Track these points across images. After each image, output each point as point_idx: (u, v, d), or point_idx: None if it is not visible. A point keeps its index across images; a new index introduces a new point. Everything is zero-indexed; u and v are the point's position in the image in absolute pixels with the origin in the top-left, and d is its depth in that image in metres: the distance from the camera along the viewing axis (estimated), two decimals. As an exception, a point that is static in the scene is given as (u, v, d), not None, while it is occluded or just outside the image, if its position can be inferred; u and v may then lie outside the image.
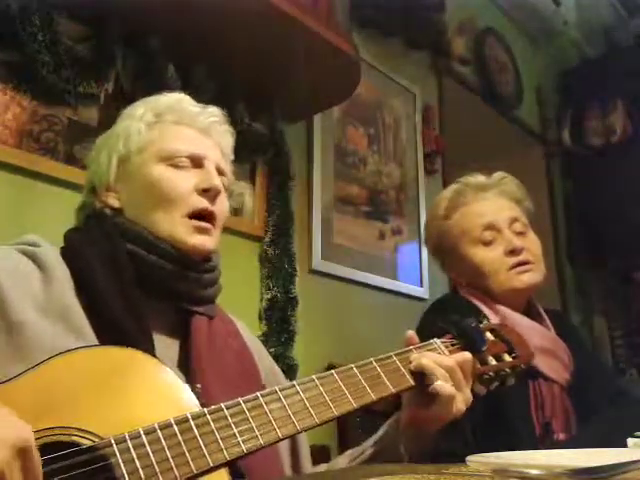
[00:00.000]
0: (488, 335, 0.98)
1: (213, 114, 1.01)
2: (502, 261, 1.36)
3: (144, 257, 0.88)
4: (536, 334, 1.32)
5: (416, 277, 2.46)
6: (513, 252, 1.36)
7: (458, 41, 2.97)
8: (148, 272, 0.88)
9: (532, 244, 1.41)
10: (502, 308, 1.35)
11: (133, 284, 0.85)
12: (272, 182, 1.92)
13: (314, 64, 1.76)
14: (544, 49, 3.67)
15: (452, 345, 0.94)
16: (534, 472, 0.58)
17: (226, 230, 1.79)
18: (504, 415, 1.21)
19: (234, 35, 1.61)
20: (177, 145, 0.95)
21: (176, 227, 0.90)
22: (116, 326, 0.80)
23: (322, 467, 1.01)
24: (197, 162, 0.95)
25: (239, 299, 1.75)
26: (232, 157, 1.06)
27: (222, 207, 0.96)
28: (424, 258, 2.50)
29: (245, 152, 1.82)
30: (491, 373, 0.94)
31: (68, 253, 0.89)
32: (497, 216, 1.40)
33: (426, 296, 2.45)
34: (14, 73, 1.39)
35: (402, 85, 2.61)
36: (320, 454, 1.08)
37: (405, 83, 2.63)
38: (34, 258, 0.85)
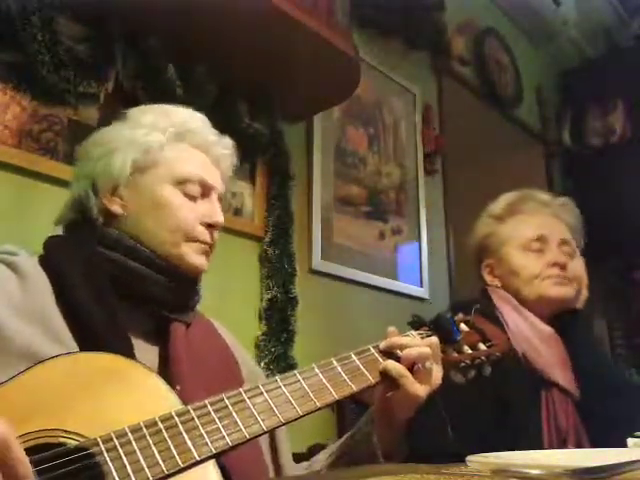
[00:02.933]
0: (463, 326, 1.02)
1: (227, 146, 1.04)
2: (542, 270, 1.38)
3: (124, 263, 0.89)
4: (555, 345, 1.33)
5: (416, 277, 2.46)
6: (556, 265, 1.38)
7: (458, 41, 2.97)
8: (128, 279, 0.89)
9: (577, 268, 1.42)
10: (530, 315, 1.36)
11: (109, 291, 0.86)
12: (272, 182, 1.92)
13: (314, 64, 1.76)
14: (544, 49, 3.67)
15: (427, 337, 0.96)
16: (534, 472, 0.58)
17: (226, 230, 1.81)
18: (512, 426, 1.21)
19: (234, 35, 1.61)
20: (192, 170, 0.96)
21: (179, 249, 0.93)
22: (94, 333, 0.81)
23: (303, 465, 1.02)
24: (205, 191, 0.97)
25: (239, 299, 1.75)
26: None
27: (216, 237, 0.99)
28: (424, 258, 2.51)
29: (245, 152, 1.82)
30: (467, 361, 0.97)
31: (46, 261, 0.89)
32: (550, 231, 1.43)
33: (426, 296, 2.46)
34: (14, 73, 1.39)
35: (402, 85, 2.61)
36: (319, 453, 1.08)
37: (405, 83, 2.63)
38: (11, 266, 0.86)
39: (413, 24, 2.60)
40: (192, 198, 0.95)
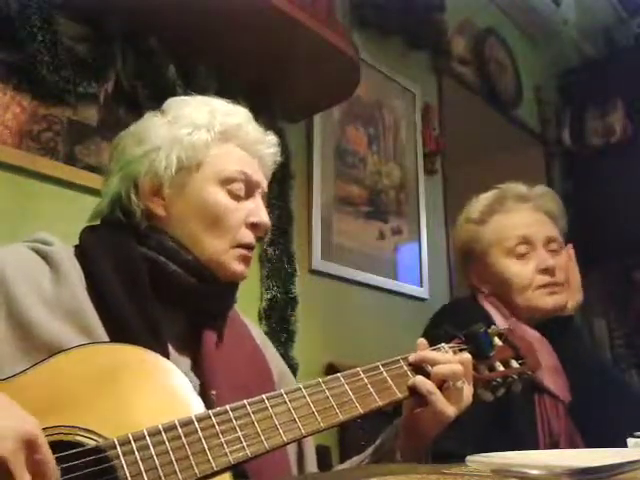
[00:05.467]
0: (496, 340, 0.98)
1: (271, 144, 1.02)
2: (532, 278, 1.35)
3: (163, 265, 0.87)
4: (545, 351, 1.32)
5: (416, 277, 2.46)
6: (545, 271, 1.35)
7: (458, 41, 2.97)
8: (166, 282, 0.87)
9: (563, 264, 1.39)
10: (516, 321, 1.35)
11: (147, 291, 0.84)
12: (272, 182, 1.92)
13: (314, 64, 1.76)
14: (544, 49, 3.67)
15: (460, 350, 0.93)
16: (534, 472, 0.58)
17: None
18: (510, 428, 1.20)
19: (234, 35, 1.61)
20: (238, 169, 0.93)
21: (223, 255, 0.90)
22: (129, 332, 0.79)
23: None
24: (250, 190, 0.94)
25: (239, 299, 1.74)
26: None
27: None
28: (424, 258, 2.51)
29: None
30: (499, 379, 0.93)
31: (81, 254, 0.87)
32: (534, 231, 1.39)
33: (426, 296, 2.46)
34: (14, 73, 1.39)
35: (402, 85, 2.61)
36: (321, 454, 1.08)
37: (405, 83, 2.63)
38: (46, 257, 0.84)
39: (413, 24, 2.60)
40: (237, 198, 0.92)
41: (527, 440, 1.22)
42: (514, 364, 0.96)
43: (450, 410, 0.85)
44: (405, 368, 0.86)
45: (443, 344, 0.94)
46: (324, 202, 2.13)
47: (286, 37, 1.65)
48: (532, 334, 1.34)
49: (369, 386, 0.80)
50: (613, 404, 1.28)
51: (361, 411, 0.77)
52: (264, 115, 1.86)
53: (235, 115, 0.97)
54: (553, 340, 1.35)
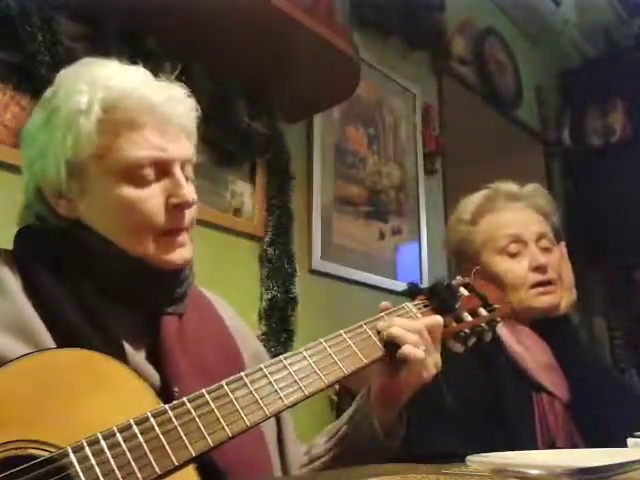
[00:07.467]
0: (462, 291, 0.97)
1: (179, 99, 0.86)
2: (525, 277, 1.35)
3: (98, 264, 0.82)
4: (539, 348, 1.32)
5: (416, 277, 2.46)
6: (538, 269, 1.35)
7: (458, 41, 2.97)
8: (106, 279, 0.82)
9: (556, 261, 1.39)
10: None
11: (89, 290, 0.80)
12: (272, 182, 1.92)
13: (314, 64, 1.76)
14: (544, 49, 3.67)
15: (425, 307, 0.92)
16: (534, 472, 0.58)
17: (226, 230, 1.81)
18: (507, 426, 1.20)
19: (234, 35, 1.61)
20: (138, 154, 0.81)
21: (149, 248, 0.83)
22: (77, 336, 0.75)
23: (302, 447, 0.99)
24: (163, 169, 0.83)
25: (239, 299, 1.75)
26: (195, 134, 0.91)
27: (193, 214, 0.87)
28: (424, 258, 2.51)
29: (245, 152, 1.82)
30: (467, 330, 0.92)
31: (17, 261, 0.82)
32: (525, 229, 1.39)
33: (426, 296, 2.45)
34: (14, 73, 1.39)
35: (402, 85, 2.61)
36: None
37: (405, 83, 2.63)
38: None
39: (413, 24, 2.60)
40: (147, 182, 0.81)
41: (525, 438, 1.22)
42: (482, 312, 0.95)
43: (429, 375, 0.85)
44: (369, 332, 0.87)
45: (407, 303, 0.93)
46: (324, 202, 2.13)
47: (286, 37, 1.65)
48: (527, 334, 1.34)
49: (333, 356, 0.79)
50: (613, 404, 1.28)
51: (325, 383, 0.76)
52: (264, 115, 1.87)
53: (121, 80, 0.83)
54: (549, 339, 1.35)
